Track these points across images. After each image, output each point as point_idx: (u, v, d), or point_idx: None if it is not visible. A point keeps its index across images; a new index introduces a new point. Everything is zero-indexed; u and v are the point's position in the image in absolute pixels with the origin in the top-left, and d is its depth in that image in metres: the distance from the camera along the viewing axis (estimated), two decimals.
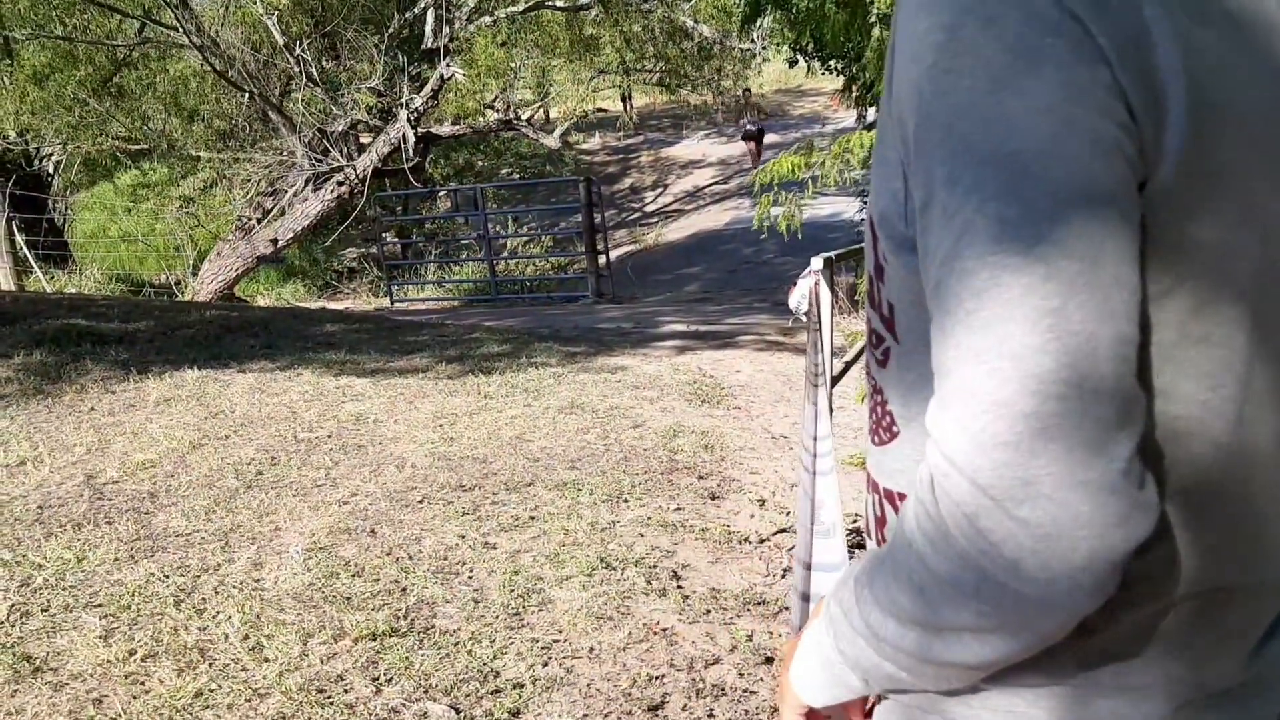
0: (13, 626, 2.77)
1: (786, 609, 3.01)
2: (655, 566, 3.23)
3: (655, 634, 2.82)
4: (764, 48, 16.74)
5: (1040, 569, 0.59)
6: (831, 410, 2.79)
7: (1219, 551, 0.71)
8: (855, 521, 3.67)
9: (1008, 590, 0.61)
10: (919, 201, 0.66)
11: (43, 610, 2.86)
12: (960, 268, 0.61)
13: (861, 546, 3.37)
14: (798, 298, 3.21)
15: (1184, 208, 0.64)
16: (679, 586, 3.11)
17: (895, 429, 0.80)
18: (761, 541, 3.53)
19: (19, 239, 10.96)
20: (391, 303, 14.12)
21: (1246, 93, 0.66)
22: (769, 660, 2.72)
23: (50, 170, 16.86)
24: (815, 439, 2.30)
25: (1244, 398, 0.69)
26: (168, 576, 3.08)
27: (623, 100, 25.45)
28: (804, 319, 3.15)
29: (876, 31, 4.35)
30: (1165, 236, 0.64)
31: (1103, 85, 0.61)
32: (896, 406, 0.79)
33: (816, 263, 3.28)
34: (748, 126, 20.47)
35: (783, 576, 3.28)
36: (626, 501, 3.77)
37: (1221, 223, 0.66)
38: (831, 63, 12.54)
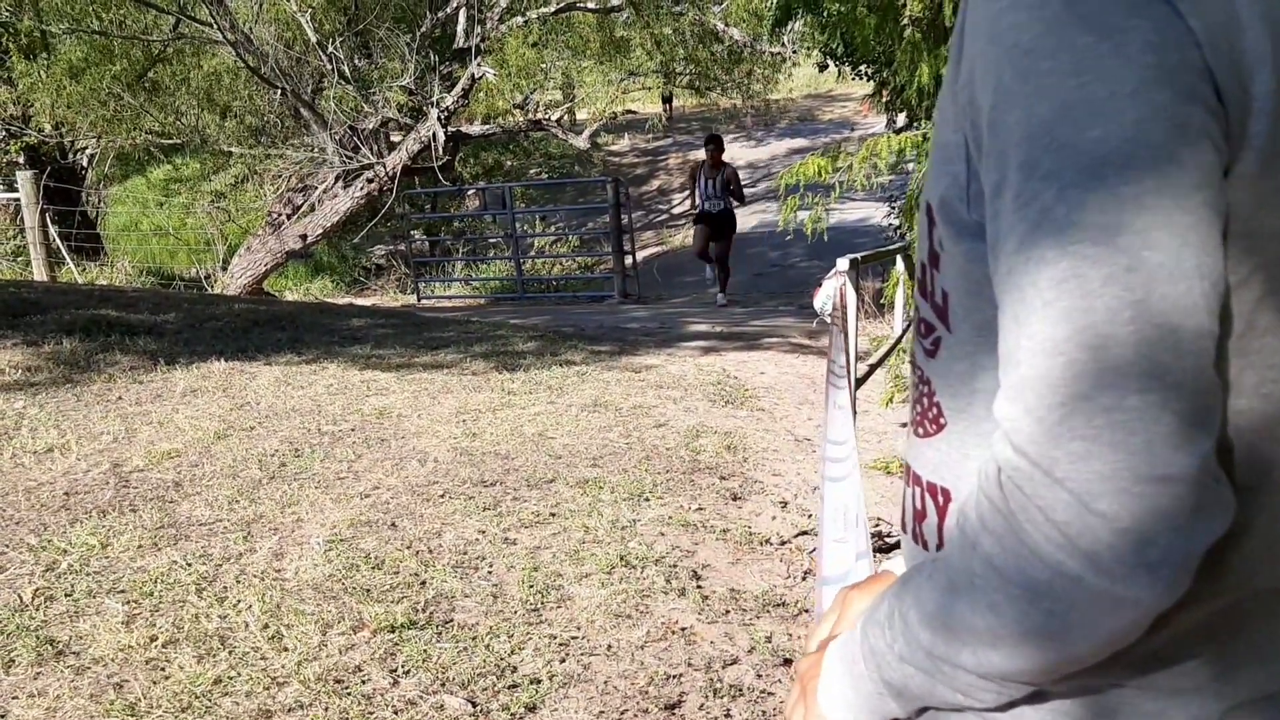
0: (37, 610, 2.79)
1: (807, 611, 2.99)
2: (675, 566, 3.22)
3: (674, 633, 2.82)
4: (794, 52, 16.70)
5: (1117, 563, 0.58)
6: (855, 414, 2.78)
7: (1277, 551, 0.69)
8: (877, 525, 3.65)
9: (1083, 585, 0.59)
10: (990, 186, 0.65)
11: (66, 595, 2.89)
12: (1037, 255, 0.60)
13: (882, 550, 3.34)
14: (823, 299, 3.20)
15: (1264, 196, 0.63)
16: (699, 586, 3.10)
17: (942, 420, 0.78)
18: (783, 543, 3.51)
19: (52, 231, 11.08)
20: (418, 299, 14.18)
21: None
22: (787, 662, 2.70)
23: (84, 163, 17.03)
24: (838, 442, 2.29)
25: None
26: (190, 564, 3.10)
27: (664, 102, 25.48)
28: (828, 320, 3.14)
29: (908, 34, 4.32)
30: (1245, 226, 0.62)
31: (1192, 68, 0.59)
32: (945, 398, 0.77)
33: (843, 264, 3.27)
34: (704, 203, 11.45)
35: (803, 579, 3.26)
36: (648, 500, 3.76)
37: None
38: (862, 67, 12.49)
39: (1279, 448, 0.67)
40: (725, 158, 11.88)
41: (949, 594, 0.66)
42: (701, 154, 12.40)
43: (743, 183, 12.08)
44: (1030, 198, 0.60)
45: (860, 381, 3.85)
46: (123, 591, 2.92)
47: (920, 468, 0.82)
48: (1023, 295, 0.61)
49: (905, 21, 4.36)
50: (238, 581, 3.00)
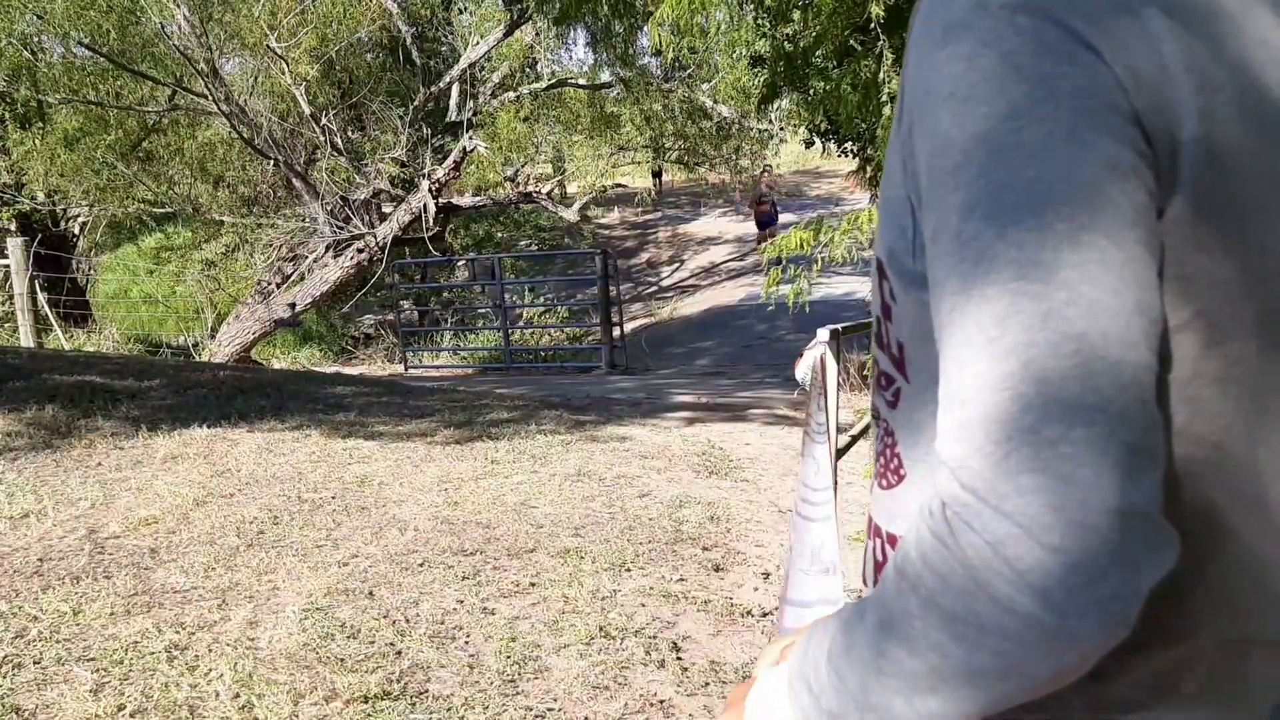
0: (4, 678, 2.74)
1: None
2: (655, 637, 3.18)
3: (652, 705, 2.78)
4: (781, 128, 17.00)
5: (1067, 598, 0.57)
6: (837, 484, 2.78)
7: (1234, 601, 0.69)
8: (860, 594, 3.62)
9: (1032, 621, 0.58)
10: (930, 231, 0.66)
11: (35, 662, 2.83)
12: (979, 294, 0.61)
13: None
14: (804, 369, 3.22)
15: (1199, 241, 0.64)
16: (678, 658, 3.07)
17: (902, 471, 0.78)
18: (764, 615, 3.48)
19: (41, 297, 11.09)
20: (406, 369, 14.18)
21: (1262, 131, 0.67)
22: None
23: (76, 231, 17.14)
24: (814, 489, 2.30)
25: (1258, 441, 0.67)
26: (162, 632, 3.05)
27: (654, 176, 25.85)
28: (810, 390, 3.15)
29: (886, 111, 4.41)
30: (1181, 269, 0.64)
31: (1120, 113, 0.61)
32: (905, 448, 0.78)
33: (823, 334, 3.30)
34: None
35: None
36: (629, 570, 3.73)
37: (1237, 258, 0.65)
38: (847, 144, 12.72)
39: (1228, 495, 0.67)
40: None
41: (882, 637, 0.64)
42: None
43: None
44: (970, 238, 0.62)
45: (842, 452, 3.85)
46: (92, 659, 2.87)
47: (881, 519, 0.82)
48: (966, 335, 0.61)
49: (884, 98, 4.45)
50: (210, 650, 2.95)
